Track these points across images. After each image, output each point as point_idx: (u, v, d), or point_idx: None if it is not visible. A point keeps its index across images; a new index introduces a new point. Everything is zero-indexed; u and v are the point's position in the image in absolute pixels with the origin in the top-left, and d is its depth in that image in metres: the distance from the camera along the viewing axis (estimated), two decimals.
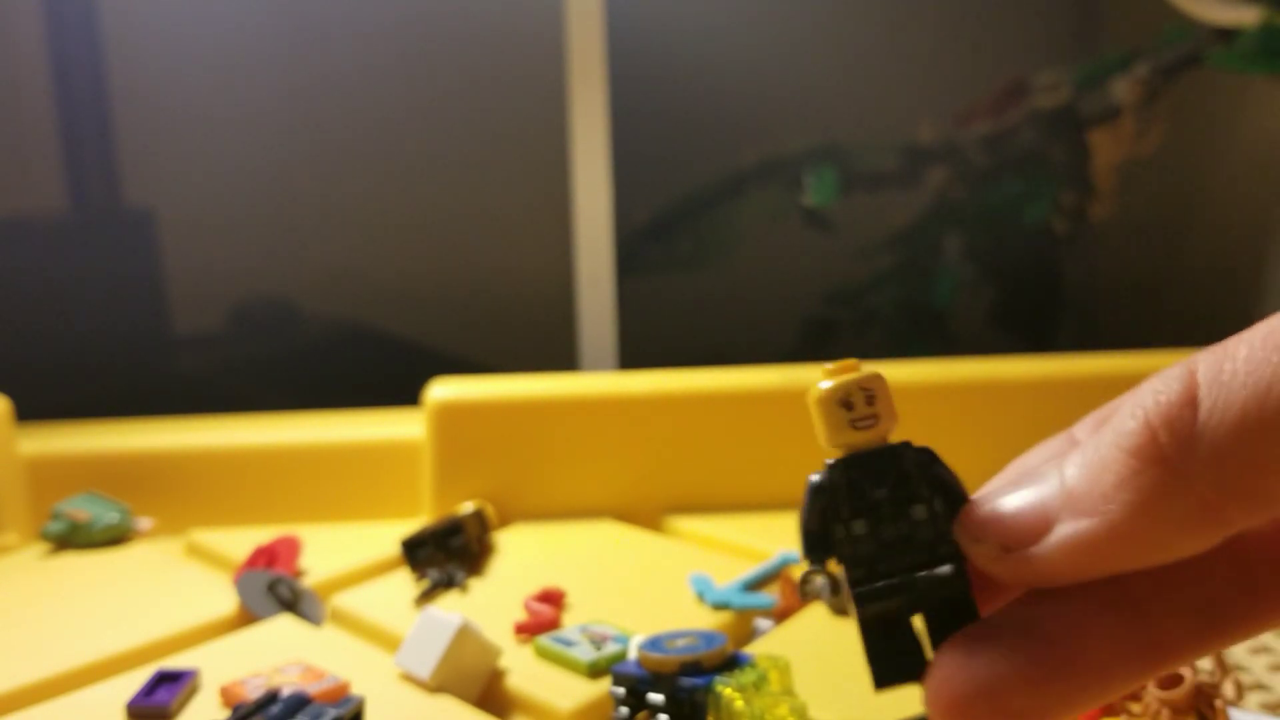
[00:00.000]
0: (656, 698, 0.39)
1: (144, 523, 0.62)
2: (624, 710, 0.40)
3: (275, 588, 0.53)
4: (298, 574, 0.57)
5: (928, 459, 0.18)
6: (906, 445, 0.18)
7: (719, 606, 0.51)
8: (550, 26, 0.91)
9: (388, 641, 0.49)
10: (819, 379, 0.18)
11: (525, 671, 0.46)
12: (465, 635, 0.45)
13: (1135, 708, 0.39)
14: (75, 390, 0.90)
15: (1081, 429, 0.19)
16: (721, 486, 0.64)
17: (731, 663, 0.40)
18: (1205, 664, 0.42)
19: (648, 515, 0.64)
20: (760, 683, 0.39)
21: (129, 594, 0.55)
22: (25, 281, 0.89)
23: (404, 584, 0.55)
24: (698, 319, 1.08)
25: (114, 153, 0.90)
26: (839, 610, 0.50)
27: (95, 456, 0.65)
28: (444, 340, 0.97)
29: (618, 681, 0.41)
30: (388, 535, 0.60)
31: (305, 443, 0.65)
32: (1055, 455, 0.18)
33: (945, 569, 0.17)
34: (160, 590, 0.55)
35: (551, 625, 0.49)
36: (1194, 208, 1.05)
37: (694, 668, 0.39)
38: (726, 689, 0.38)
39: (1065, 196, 1.06)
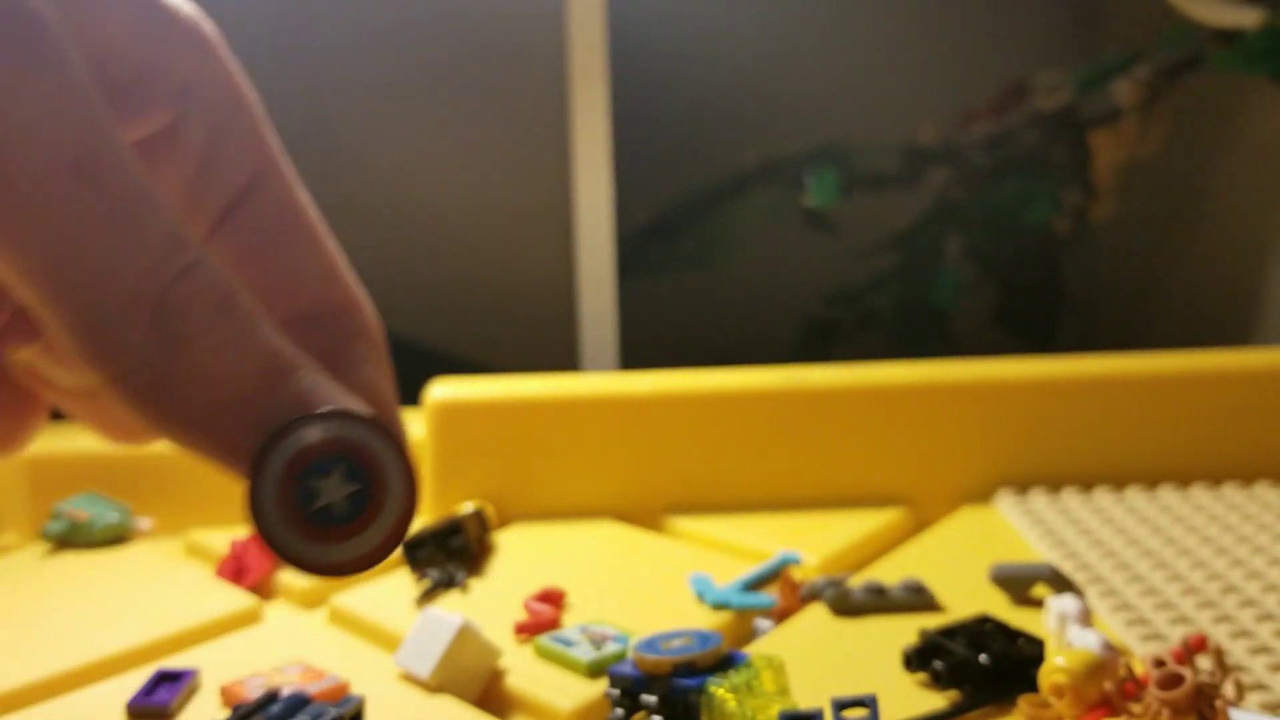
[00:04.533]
0: (650, 699, 0.39)
1: (144, 523, 0.62)
2: (619, 712, 0.40)
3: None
4: (275, 568, 0.57)
5: None
6: None
7: (719, 606, 0.51)
8: (551, 26, 0.91)
9: (388, 641, 0.49)
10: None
11: (525, 671, 0.46)
12: (465, 635, 0.45)
13: (1135, 708, 0.39)
14: None
15: None
16: (721, 486, 0.64)
17: (726, 663, 0.40)
18: (1206, 664, 0.42)
19: (648, 515, 0.64)
20: (753, 682, 0.39)
21: (129, 594, 0.55)
22: None
23: (404, 584, 0.55)
24: (699, 319, 1.08)
25: None
26: (839, 610, 0.50)
27: (95, 456, 0.65)
28: (444, 340, 0.97)
29: (613, 683, 0.41)
30: None
31: None
32: None
33: None
34: (160, 590, 0.55)
35: (551, 625, 0.49)
36: (1195, 210, 1.05)
37: (688, 668, 0.39)
38: (719, 690, 0.38)
39: (1066, 198, 1.06)
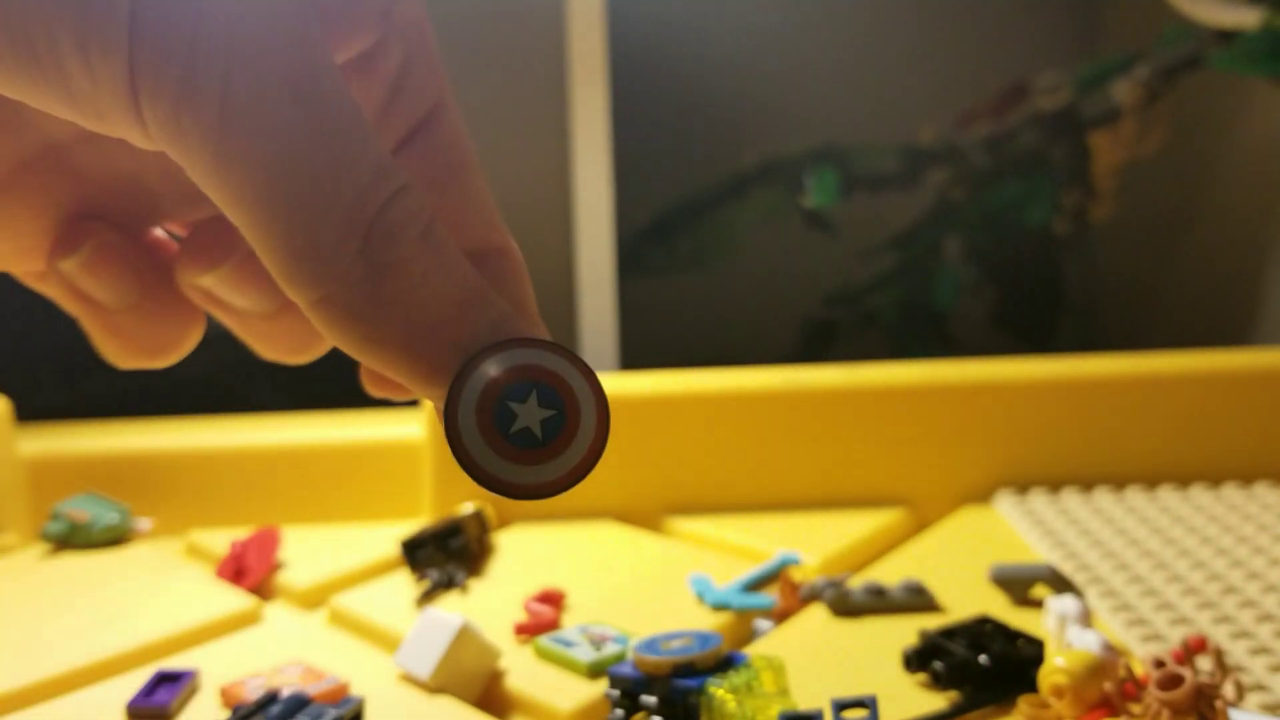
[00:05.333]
0: (650, 700, 0.39)
1: (144, 523, 0.62)
2: (619, 712, 0.40)
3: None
4: (274, 569, 0.57)
5: None
6: None
7: (719, 607, 0.51)
8: (551, 26, 0.91)
9: (388, 641, 0.49)
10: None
11: (525, 672, 0.46)
12: (465, 635, 0.45)
13: (1135, 709, 0.39)
14: (75, 390, 0.90)
15: None
16: (722, 487, 0.64)
17: (726, 663, 0.40)
18: (1205, 665, 0.42)
19: (648, 516, 0.64)
20: (753, 683, 0.39)
21: (129, 594, 0.55)
22: None
23: (404, 584, 0.55)
24: (698, 320, 1.08)
25: None
26: (839, 610, 0.50)
27: (95, 456, 0.65)
28: None
29: (613, 684, 0.41)
30: (387, 535, 0.60)
31: (305, 443, 0.65)
32: None
33: None
34: (160, 590, 0.55)
35: (551, 626, 0.49)
36: (1195, 210, 1.05)
37: (688, 669, 0.39)
38: (719, 690, 0.38)
39: (1066, 198, 1.06)
